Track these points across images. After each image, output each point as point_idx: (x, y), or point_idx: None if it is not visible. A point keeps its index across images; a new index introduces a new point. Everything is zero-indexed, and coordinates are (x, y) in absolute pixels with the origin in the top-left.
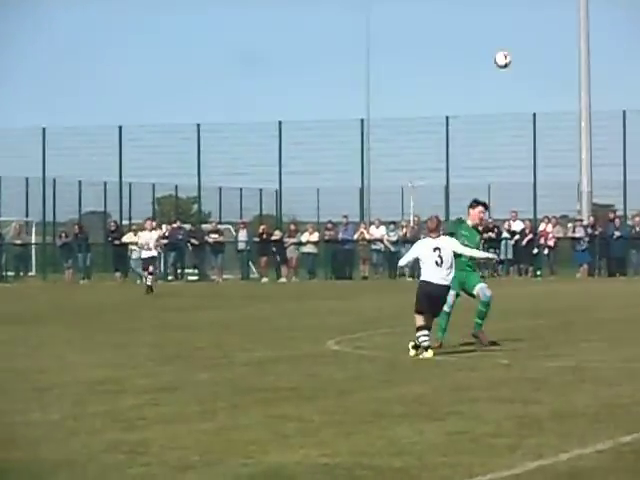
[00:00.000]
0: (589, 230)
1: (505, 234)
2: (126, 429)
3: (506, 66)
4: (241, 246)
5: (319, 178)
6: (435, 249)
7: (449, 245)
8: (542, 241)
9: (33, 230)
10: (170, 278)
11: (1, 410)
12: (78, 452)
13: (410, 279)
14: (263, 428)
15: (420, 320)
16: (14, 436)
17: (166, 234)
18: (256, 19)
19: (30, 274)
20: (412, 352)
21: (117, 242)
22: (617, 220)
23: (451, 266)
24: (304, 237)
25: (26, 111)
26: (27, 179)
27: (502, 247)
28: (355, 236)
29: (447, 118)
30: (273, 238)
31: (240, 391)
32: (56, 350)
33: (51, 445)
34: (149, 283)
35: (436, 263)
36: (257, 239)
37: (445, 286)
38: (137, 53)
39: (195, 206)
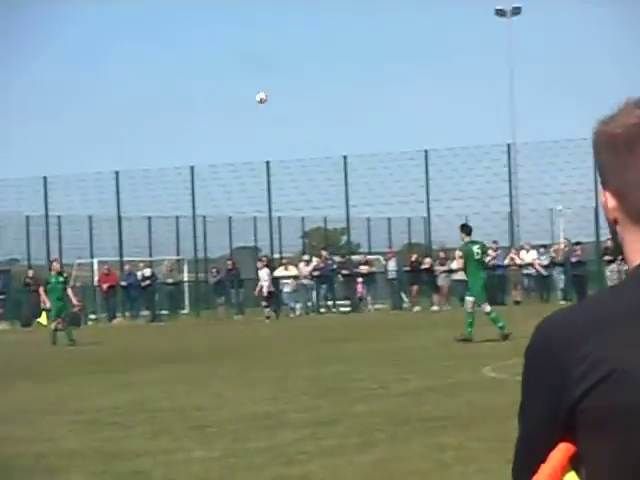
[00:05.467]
0: None
1: None
2: (287, 464)
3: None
4: (391, 275)
5: (464, 204)
6: None
7: None
8: None
9: (185, 268)
10: (322, 310)
11: (163, 449)
12: None
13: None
14: (423, 458)
15: None
16: (174, 475)
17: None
18: None
19: (183, 312)
20: None
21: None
22: None
23: None
24: (454, 264)
25: (175, 152)
26: (177, 218)
27: None
28: (506, 261)
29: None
30: (423, 266)
31: (398, 422)
32: (213, 387)
33: None
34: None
35: None
36: (407, 268)
37: None
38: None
39: (344, 237)
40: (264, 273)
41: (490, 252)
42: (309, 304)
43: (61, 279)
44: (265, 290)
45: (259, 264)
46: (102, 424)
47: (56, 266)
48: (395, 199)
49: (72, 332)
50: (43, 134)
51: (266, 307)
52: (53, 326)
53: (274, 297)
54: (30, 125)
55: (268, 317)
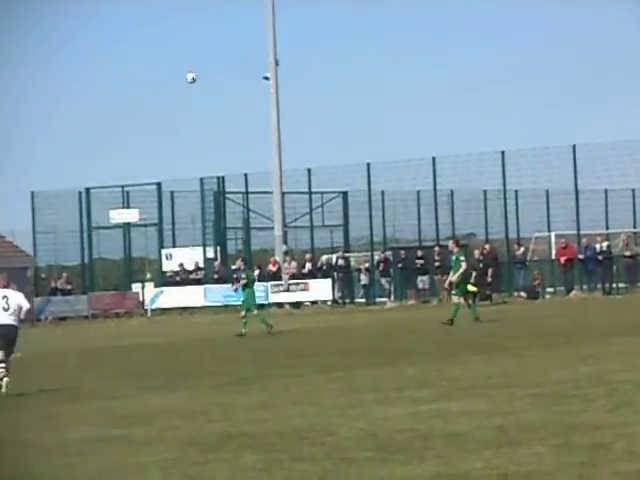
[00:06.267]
0: None
1: None
2: None
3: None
4: None
5: None
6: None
7: None
8: None
9: None
10: None
11: (624, 422)
12: None
13: None
14: None
15: None
16: (635, 447)
17: None
18: None
19: None
20: None
21: None
22: None
23: None
24: None
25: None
26: (633, 190)
27: None
28: None
29: None
30: None
31: None
32: None
33: None
34: None
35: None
36: None
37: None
38: None
39: None
40: None
41: None
42: None
43: (454, 257)
44: None
45: None
46: (562, 397)
47: (451, 244)
48: None
49: (475, 308)
50: (504, 108)
51: None
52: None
53: None
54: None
55: None
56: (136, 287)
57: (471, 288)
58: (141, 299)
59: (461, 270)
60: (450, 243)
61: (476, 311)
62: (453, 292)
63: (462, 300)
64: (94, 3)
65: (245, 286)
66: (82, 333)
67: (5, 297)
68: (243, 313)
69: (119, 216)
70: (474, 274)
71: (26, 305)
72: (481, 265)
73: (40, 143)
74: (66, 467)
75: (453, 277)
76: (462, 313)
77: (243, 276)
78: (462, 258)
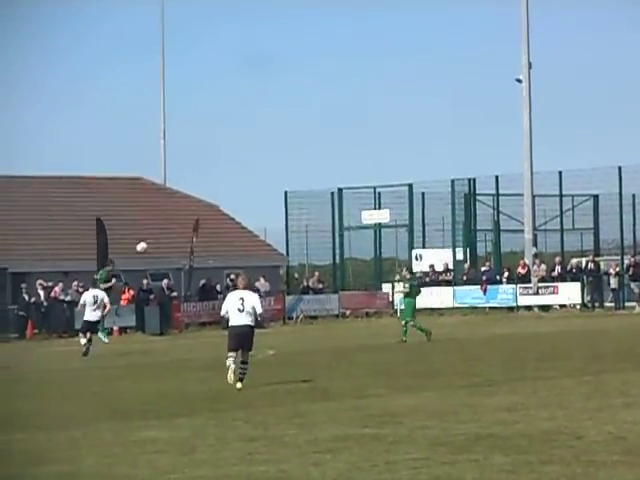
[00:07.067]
0: None
1: None
2: None
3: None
4: None
5: None
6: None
7: None
8: None
9: None
10: None
11: None
12: None
13: None
14: None
15: None
16: None
17: None
18: None
19: None
20: None
21: None
22: None
23: None
24: None
25: None
26: None
27: None
28: None
29: None
30: None
31: None
32: None
33: None
34: None
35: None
36: None
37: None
38: None
39: None
40: None
41: None
42: None
43: None
44: None
45: None
46: None
47: None
48: None
49: None
50: None
51: None
52: None
53: None
54: None
55: None
56: (386, 287)
57: None
58: (391, 299)
59: None
60: None
61: None
62: None
63: None
64: None
65: (407, 295)
66: (332, 332)
67: (241, 298)
68: (403, 322)
69: (370, 217)
70: None
71: (259, 309)
72: None
73: (294, 143)
74: (316, 465)
75: None
76: None
77: (406, 286)
78: None
